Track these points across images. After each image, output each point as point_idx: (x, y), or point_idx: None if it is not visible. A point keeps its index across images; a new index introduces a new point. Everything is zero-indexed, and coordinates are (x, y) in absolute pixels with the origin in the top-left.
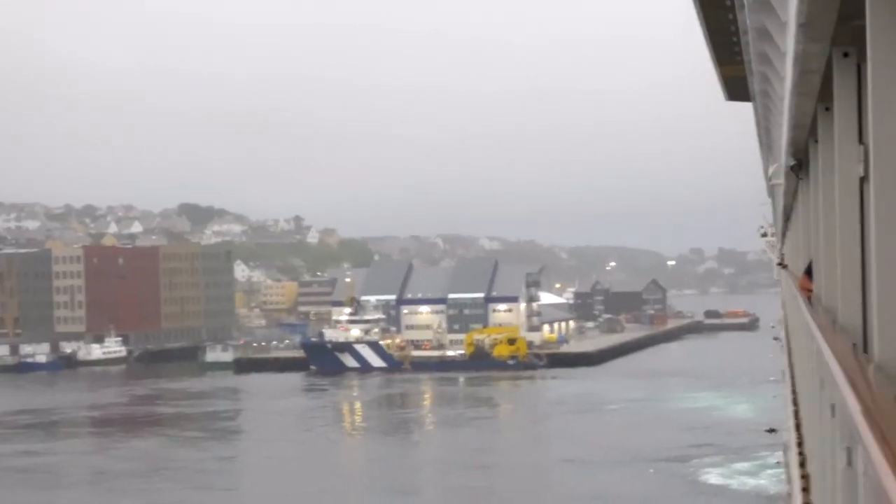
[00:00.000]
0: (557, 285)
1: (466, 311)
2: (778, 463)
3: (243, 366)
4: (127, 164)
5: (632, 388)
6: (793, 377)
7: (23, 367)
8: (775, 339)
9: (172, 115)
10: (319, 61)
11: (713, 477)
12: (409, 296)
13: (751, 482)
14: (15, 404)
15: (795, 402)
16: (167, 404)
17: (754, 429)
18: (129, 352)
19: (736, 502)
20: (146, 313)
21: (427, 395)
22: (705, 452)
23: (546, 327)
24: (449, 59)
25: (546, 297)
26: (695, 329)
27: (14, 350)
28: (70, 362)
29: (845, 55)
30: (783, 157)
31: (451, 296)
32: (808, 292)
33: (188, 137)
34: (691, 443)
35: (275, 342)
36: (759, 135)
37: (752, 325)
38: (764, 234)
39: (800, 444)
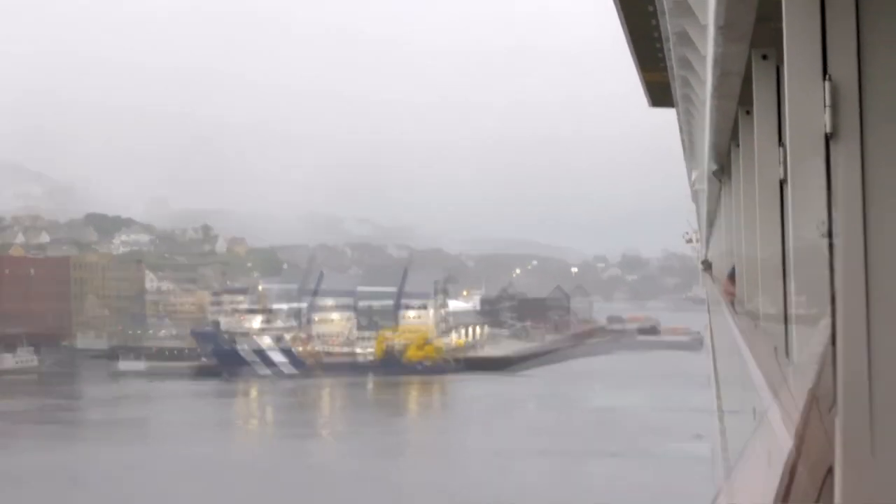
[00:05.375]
0: (465, 292)
1: (377, 318)
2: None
3: (156, 373)
4: (32, 174)
5: (542, 388)
6: (717, 381)
7: None
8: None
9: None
10: (227, 66)
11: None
12: (320, 303)
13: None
14: None
15: (721, 407)
16: (79, 411)
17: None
18: (42, 361)
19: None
20: (58, 323)
21: (338, 397)
22: (607, 447)
23: (453, 333)
24: (357, 63)
25: (454, 304)
26: (599, 334)
27: None
28: None
29: (764, 57)
30: (706, 162)
31: (362, 303)
32: (731, 296)
33: (95, 146)
34: (595, 437)
35: (187, 350)
36: (683, 140)
37: (652, 331)
38: (689, 241)
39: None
